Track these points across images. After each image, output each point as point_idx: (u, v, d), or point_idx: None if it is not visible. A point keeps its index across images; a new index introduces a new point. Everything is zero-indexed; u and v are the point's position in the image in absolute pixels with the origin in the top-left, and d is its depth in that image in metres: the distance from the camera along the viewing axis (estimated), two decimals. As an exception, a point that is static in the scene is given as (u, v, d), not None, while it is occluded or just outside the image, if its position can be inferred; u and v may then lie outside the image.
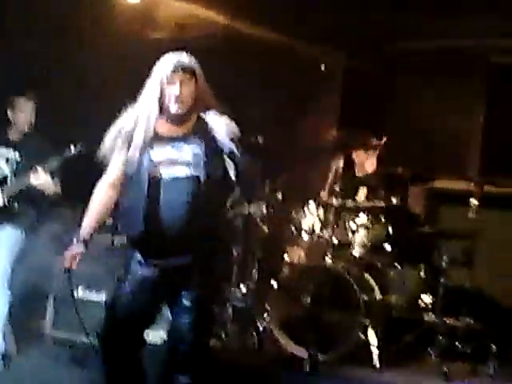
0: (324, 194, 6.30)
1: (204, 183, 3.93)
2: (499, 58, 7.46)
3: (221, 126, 4.00)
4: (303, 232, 6.10)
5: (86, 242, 4.09)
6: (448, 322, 5.92)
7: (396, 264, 6.14)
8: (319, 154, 7.02)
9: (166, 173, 3.98)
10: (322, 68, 7.71)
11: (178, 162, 3.97)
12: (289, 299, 5.77)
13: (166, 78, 3.97)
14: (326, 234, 6.00)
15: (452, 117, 7.43)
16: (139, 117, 4.01)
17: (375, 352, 5.56)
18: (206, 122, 4.03)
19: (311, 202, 6.16)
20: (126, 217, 4.09)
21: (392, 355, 5.72)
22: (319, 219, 6.06)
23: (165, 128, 4.03)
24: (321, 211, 6.08)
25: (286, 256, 6.30)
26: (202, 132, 4.00)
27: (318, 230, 6.05)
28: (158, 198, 3.96)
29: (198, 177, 3.94)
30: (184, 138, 4.00)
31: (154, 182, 3.97)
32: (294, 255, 6.25)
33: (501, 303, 5.96)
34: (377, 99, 7.54)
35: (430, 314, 5.97)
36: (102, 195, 4.13)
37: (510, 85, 7.27)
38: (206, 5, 7.28)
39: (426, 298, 6.06)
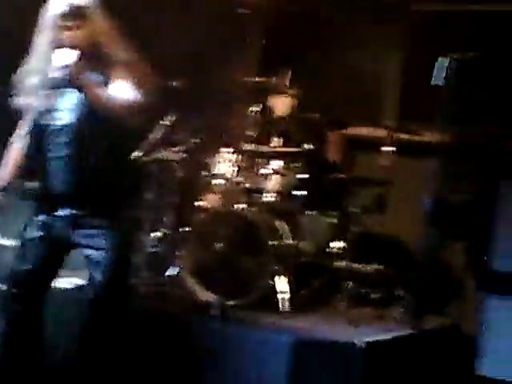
0: (239, 140, 6.27)
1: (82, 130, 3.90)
2: (419, 5, 7.46)
3: None
4: (217, 178, 6.09)
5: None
6: (358, 268, 6.01)
7: (308, 210, 6.18)
8: (236, 98, 6.99)
9: (51, 120, 3.95)
10: (240, 11, 7.64)
11: (61, 108, 3.94)
12: (201, 245, 5.77)
13: (55, 23, 3.85)
14: (240, 179, 6.00)
15: (371, 63, 7.44)
16: (36, 64, 3.92)
17: (284, 297, 5.61)
18: None
19: (226, 147, 6.14)
20: (26, 165, 4.11)
21: (301, 301, 5.79)
22: (233, 165, 6.05)
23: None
24: (235, 157, 6.07)
25: (200, 202, 6.29)
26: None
27: (231, 176, 6.04)
28: (47, 145, 3.95)
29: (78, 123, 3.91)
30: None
31: (43, 130, 3.96)
32: (208, 201, 6.24)
33: (410, 249, 6.05)
34: (297, 44, 7.49)
35: (341, 260, 6.03)
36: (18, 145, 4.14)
37: (428, 32, 7.29)
38: None
39: (337, 244, 6.11)
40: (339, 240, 6.10)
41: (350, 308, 5.72)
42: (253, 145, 6.07)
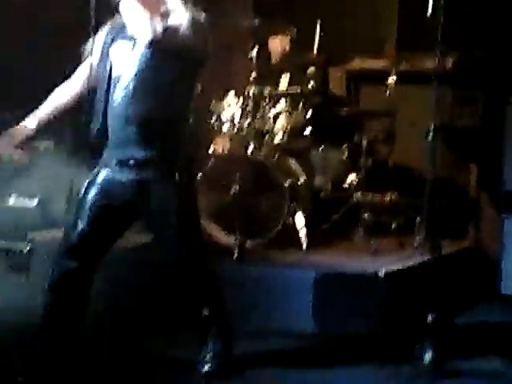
0: (243, 84, 6.25)
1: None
2: None
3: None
4: (225, 123, 6.08)
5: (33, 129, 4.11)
6: (373, 198, 6.04)
7: (318, 147, 6.19)
8: (235, 44, 6.96)
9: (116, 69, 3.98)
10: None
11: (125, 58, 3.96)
12: (215, 189, 5.79)
13: None
14: (247, 123, 5.99)
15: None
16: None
17: (303, 234, 5.65)
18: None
19: (231, 92, 6.13)
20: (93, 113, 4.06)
21: (320, 236, 5.84)
22: (239, 108, 6.04)
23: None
24: (240, 100, 6.06)
25: (211, 147, 6.29)
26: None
27: (238, 120, 6.03)
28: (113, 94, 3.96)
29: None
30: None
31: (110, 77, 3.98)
32: (218, 146, 6.24)
33: (423, 176, 6.06)
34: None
35: (356, 192, 6.06)
36: (61, 90, 4.16)
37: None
38: None
39: (351, 177, 6.14)
40: (353, 173, 6.12)
41: (370, 239, 5.75)
42: (257, 87, 6.04)
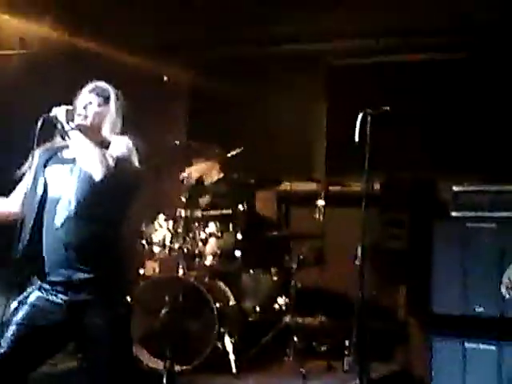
0: (173, 206, 6.30)
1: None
2: (339, 60, 7.66)
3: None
4: (155, 245, 6.09)
5: None
6: (302, 321, 6.06)
7: (248, 269, 6.23)
8: (167, 165, 7.03)
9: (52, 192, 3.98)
10: (165, 79, 7.74)
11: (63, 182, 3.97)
12: (144, 313, 5.75)
13: (81, 97, 4.07)
14: (177, 245, 6.01)
15: (297, 119, 7.57)
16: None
17: (232, 358, 5.62)
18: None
19: (160, 214, 6.16)
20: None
21: (250, 359, 5.82)
22: (169, 231, 6.07)
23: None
24: (170, 223, 6.10)
25: (141, 270, 6.28)
26: None
27: (168, 243, 6.05)
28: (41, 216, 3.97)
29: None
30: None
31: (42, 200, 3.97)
32: (149, 269, 6.24)
33: (352, 298, 6.11)
34: (222, 108, 7.60)
35: (285, 315, 6.07)
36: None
37: (348, 85, 7.47)
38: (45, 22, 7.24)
39: (280, 300, 6.17)
40: (282, 296, 6.15)
41: (300, 362, 5.74)
42: (187, 210, 6.09)
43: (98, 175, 3.82)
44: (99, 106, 4.07)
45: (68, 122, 3.93)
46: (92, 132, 4.03)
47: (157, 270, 6.19)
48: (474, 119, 6.96)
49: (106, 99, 4.09)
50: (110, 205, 3.91)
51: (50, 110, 4.01)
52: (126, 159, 3.94)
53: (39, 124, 3.95)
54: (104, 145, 4.00)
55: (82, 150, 3.90)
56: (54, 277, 3.95)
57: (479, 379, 5.65)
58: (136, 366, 5.43)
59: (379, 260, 6.67)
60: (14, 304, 4.00)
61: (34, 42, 7.44)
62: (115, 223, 4.02)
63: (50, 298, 3.95)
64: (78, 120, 4.00)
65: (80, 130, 3.97)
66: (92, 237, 3.93)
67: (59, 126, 4.00)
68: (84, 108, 4.05)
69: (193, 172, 6.39)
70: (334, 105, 7.64)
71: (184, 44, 7.75)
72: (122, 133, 4.09)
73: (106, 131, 4.07)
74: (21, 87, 7.03)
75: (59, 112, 3.95)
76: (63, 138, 4.02)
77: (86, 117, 4.04)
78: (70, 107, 4.00)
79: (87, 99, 4.08)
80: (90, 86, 4.15)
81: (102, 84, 4.16)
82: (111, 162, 3.85)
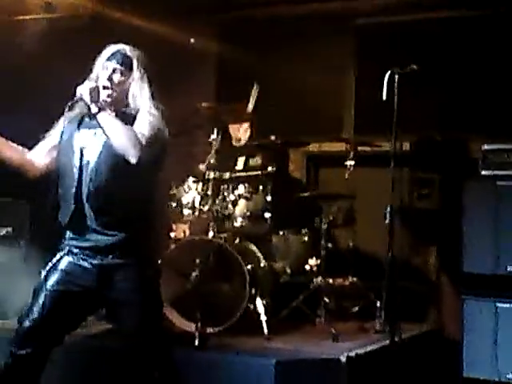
0: (202, 168, 6.29)
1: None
2: (364, 19, 7.57)
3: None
4: (185, 208, 6.09)
5: None
6: (333, 282, 6.05)
7: (278, 231, 6.22)
8: (195, 129, 7.02)
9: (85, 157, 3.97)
10: (192, 41, 7.72)
11: (93, 147, 3.97)
12: (175, 275, 5.77)
13: (102, 66, 4.00)
14: (207, 207, 6.01)
15: (325, 79, 7.51)
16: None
17: (264, 320, 5.63)
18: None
19: (190, 177, 6.16)
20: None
21: (281, 321, 5.82)
22: (199, 193, 6.06)
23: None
24: (200, 185, 6.08)
25: (171, 233, 6.29)
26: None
27: (198, 205, 6.05)
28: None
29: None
30: None
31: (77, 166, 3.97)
32: (179, 231, 6.25)
33: (383, 259, 6.10)
34: (249, 69, 7.56)
35: (316, 276, 6.06)
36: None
37: (376, 44, 7.40)
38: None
39: (311, 261, 6.16)
40: (313, 257, 6.14)
41: (331, 323, 5.74)
42: (216, 172, 6.08)
43: (132, 159, 3.81)
44: (122, 74, 3.99)
45: (93, 102, 3.86)
46: (118, 102, 4.01)
47: (187, 232, 6.18)
48: (505, 78, 6.87)
49: (129, 65, 4.01)
50: (134, 169, 3.89)
51: (74, 82, 3.95)
52: (156, 134, 3.91)
53: (66, 110, 3.92)
54: (132, 113, 3.98)
55: (112, 133, 3.86)
56: (82, 241, 3.97)
57: (511, 338, 5.64)
58: (167, 328, 5.49)
59: (409, 220, 6.64)
60: (45, 270, 4.04)
61: (59, 6, 7.45)
62: (144, 187, 4.01)
63: (80, 262, 3.98)
64: (103, 94, 3.94)
65: (106, 107, 3.92)
66: (120, 201, 3.94)
67: (85, 109, 3.97)
68: (108, 80, 3.98)
69: (222, 133, 6.36)
70: (362, 64, 7.56)
71: (210, 6, 7.70)
72: (150, 97, 4.07)
73: (132, 99, 4.02)
74: (46, 52, 7.05)
75: (84, 92, 3.87)
76: (90, 119, 3.98)
77: (111, 89, 3.97)
78: (93, 84, 3.91)
79: (110, 68, 3.99)
80: (110, 50, 4.05)
81: (123, 48, 4.05)
82: (144, 142, 3.83)
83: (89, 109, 3.90)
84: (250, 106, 6.46)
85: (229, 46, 7.87)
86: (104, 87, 3.96)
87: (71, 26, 7.52)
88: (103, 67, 4.01)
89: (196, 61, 7.91)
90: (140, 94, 4.02)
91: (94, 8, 7.47)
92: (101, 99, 3.91)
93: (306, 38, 7.58)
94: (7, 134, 4.13)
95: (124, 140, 3.81)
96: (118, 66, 3.99)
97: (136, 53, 4.07)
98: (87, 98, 3.87)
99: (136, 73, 4.02)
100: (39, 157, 4.14)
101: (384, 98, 5.33)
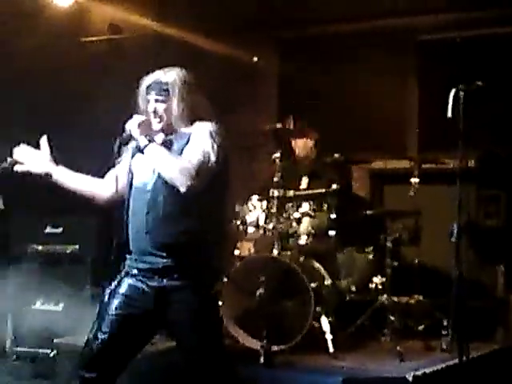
0: (266, 186, 6.30)
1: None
2: (426, 35, 7.54)
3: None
4: (249, 226, 6.11)
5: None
6: (399, 300, 6.00)
7: (343, 248, 6.20)
8: (258, 146, 7.05)
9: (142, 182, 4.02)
10: (255, 59, 7.76)
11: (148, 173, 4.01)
12: (240, 293, 5.78)
13: (144, 99, 4.03)
14: (271, 225, 6.01)
15: (388, 96, 7.49)
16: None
17: (329, 338, 5.60)
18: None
19: (254, 195, 6.17)
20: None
21: (346, 339, 5.78)
22: (263, 211, 6.07)
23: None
24: (264, 203, 6.09)
25: (235, 251, 6.30)
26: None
27: (262, 223, 6.06)
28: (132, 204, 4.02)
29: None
30: None
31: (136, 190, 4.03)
32: (244, 249, 6.26)
33: (449, 277, 6.03)
34: (312, 86, 7.57)
35: (382, 294, 6.02)
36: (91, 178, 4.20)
37: (439, 60, 7.36)
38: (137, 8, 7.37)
39: (376, 279, 6.12)
40: (378, 275, 6.10)
41: (397, 342, 5.69)
42: (281, 190, 6.08)
43: (181, 188, 3.84)
44: (164, 102, 3.98)
45: (142, 135, 3.90)
46: (169, 127, 4.02)
47: (252, 250, 6.19)
48: None
49: (167, 91, 3.99)
50: (194, 197, 3.91)
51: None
52: (207, 159, 3.88)
53: (116, 147, 3.97)
54: (185, 132, 4.01)
55: (160, 165, 3.90)
56: (140, 263, 4.01)
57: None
58: (232, 346, 5.50)
59: (476, 238, 6.56)
60: (107, 293, 4.07)
61: (124, 27, 7.55)
62: (200, 209, 3.98)
63: (139, 284, 4.00)
64: (155, 124, 3.98)
65: (157, 135, 3.98)
66: (177, 223, 3.94)
67: (134, 145, 4.01)
68: (154, 112, 3.99)
69: (285, 152, 6.37)
70: (425, 80, 7.53)
71: (273, 24, 7.74)
72: (204, 115, 4.06)
73: (177, 124, 4.01)
74: (109, 72, 7.15)
75: (132, 127, 3.93)
76: (141, 152, 3.99)
77: (159, 118, 3.98)
78: (142, 118, 3.95)
79: (151, 100, 4.00)
80: (146, 82, 4.05)
81: (157, 78, 4.03)
82: (192, 170, 3.84)
83: (138, 144, 3.95)
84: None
85: (291, 63, 7.89)
86: (155, 116, 4.00)
87: (136, 45, 7.63)
88: (146, 100, 4.04)
89: (259, 78, 7.95)
90: (184, 117, 3.99)
91: (158, 28, 7.57)
92: (151, 131, 3.96)
93: (369, 54, 7.57)
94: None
95: (172, 171, 3.85)
96: (159, 97, 3.99)
97: (172, 76, 4.04)
98: (136, 133, 3.92)
99: (175, 99, 3.98)
100: (108, 186, 4.19)
101: (449, 115, 5.28)
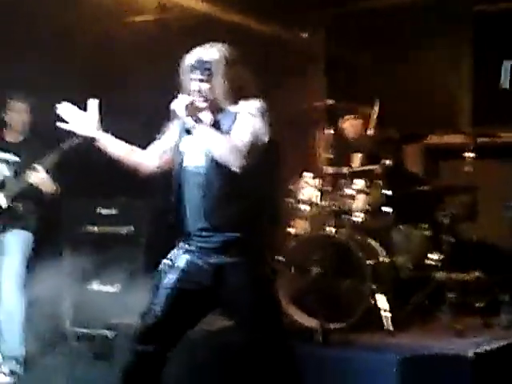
0: (319, 164, 6.26)
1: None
2: (482, 6, 7.40)
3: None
4: (303, 204, 6.07)
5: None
6: (456, 277, 5.93)
7: (398, 225, 6.13)
8: (310, 124, 7.00)
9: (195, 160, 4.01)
10: (304, 35, 7.70)
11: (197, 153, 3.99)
12: (296, 272, 5.76)
13: (188, 78, 3.99)
14: (325, 203, 5.97)
15: (440, 70, 7.38)
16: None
17: (386, 316, 5.56)
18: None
19: (307, 173, 6.13)
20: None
21: (404, 317, 5.73)
22: (317, 189, 6.03)
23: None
24: (317, 181, 6.05)
25: (290, 229, 6.27)
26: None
27: (316, 200, 6.02)
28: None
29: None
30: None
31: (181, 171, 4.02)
32: (298, 227, 6.22)
33: (507, 253, 5.97)
34: (361, 62, 7.49)
35: (439, 271, 5.95)
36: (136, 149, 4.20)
37: (494, 32, 7.23)
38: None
39: (433, 256, 6.05)
40: (435, 251, 6.03)
41: (455, 319, 5.63)
42: (333, 167, 6.04)
43: (235, 168, 3.81)
44: (208, 81, 3.94)
45: (189, 116, 3.88)
46: (215, 104, 3.98)
47: (306, 228, 6.15)
48: None
49: (210, 70, 3.94)
50: (246, 175, 3.88)
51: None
52: (257, 136, 3.85)
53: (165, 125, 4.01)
54: (231, 111, 3.96)
55: (211, 145, 3.87)
56: (199, 243, 4.00)
57: None
58: (289, 324, 5.48)
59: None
60: (163, 267, 4.08)
61: (172, 7, 7.52)
62: (254, 187, 3.99)
63: (197, 261, 4.00)
64: (200, 103, 3.93)
65: (205, 113, 3.95)
66: (232, 201, 3.95)
67: (180, 124, 4.01)
68: (198, 91, 3.95)
69: (337, 129, 6.33)
70: (479, 52, 7.39)
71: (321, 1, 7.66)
72: (250, 92, 3.99)
73: (223, 102, 3.98)
74: (158, 52, 7.12)
75: (178, 108, 3.89)
76: (188, 133, 3.99)
77: (203, 97, 3.94)
78: (187, 98, 3.90)
79: (195, 80, 3.95)
80: (189, 61, 3.99)
81: (199, 56, 3.98)
82: (244, 149, 3.81)
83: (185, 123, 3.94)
84: (372, 124, 6.37)
85: (340, 40, 7.81)
86: (198, 96, 3.95)
87: (183, 26, 7.60)
88: (189, 80, 3.99)
89: (307, 56, 7.89)
90: (227, 93, 3.95)
91: (205, 9, 7.53)
92: (197, 111, 3.92)
93: (421, 27, 7.45)
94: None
95: (224, 152, 3.82)
96: (202, 76, 3.95)
97: (214, 53, 3.98)
98: (182, 113, 3.89)
99: (219, 77, 3.94)
100: (152, 158, 4.18)
101: (505, 86, 5.19)
